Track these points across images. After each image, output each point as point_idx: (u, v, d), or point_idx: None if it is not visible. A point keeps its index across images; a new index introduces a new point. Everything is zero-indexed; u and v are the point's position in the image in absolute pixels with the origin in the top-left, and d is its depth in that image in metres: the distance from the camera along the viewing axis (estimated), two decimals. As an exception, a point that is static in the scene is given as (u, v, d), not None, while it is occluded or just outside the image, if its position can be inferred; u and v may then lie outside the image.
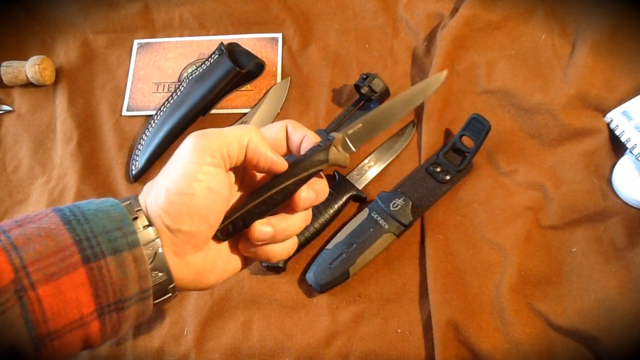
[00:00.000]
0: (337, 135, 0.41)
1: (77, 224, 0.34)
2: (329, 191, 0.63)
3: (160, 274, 0.36)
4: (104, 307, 0.34)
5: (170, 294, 0.37)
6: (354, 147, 0.42)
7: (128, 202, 0.37)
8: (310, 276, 0.59)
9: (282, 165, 0.39)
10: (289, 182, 0.39)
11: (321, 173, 0.41)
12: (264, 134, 0.39)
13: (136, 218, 0.36)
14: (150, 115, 0.73)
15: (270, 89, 0.74)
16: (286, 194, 0.39)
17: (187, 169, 0.36)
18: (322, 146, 0.40)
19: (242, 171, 0.41)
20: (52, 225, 0.33)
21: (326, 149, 0.40)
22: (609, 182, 0.62)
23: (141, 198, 0.38)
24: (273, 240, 0.40)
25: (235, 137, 0.37)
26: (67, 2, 0.83)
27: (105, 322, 0.34)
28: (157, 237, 0.36)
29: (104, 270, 0.33)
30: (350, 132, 0.42)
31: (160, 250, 0.36)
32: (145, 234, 0.35)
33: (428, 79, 0.45)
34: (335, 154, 0.40)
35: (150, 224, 0.36)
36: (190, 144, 0.37)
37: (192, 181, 0.36)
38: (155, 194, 0.37)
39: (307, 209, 0.41)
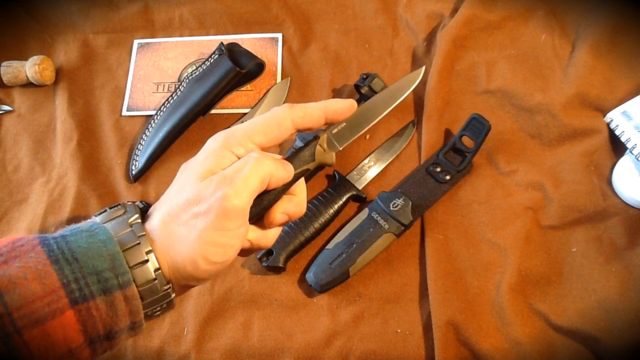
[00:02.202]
0: (322, 134, 0.41)
1: (65, 263, 0.32)
2: (329, 191, 0.64)
3: (164, 305, 0.36)
4: (93, 338, 0.33)
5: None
6: (340, 145, 0.42)
7: (134, 242, 0.34)
8: (310, 276, 0.59)
9: (290, 178, 0.39)
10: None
11: (303, 179, 0.41)
12: (270, 125, 0.38)
13: (138, 244, 0.34)
14: (150, 115, 0.73)
15: (270, 89, 0.74)
16: (276, 196, 0.39)
17: (224, 237, 0.35)
18: (308, 145, 0.40)
19: None
20: (39, 264, 0.31)
21: (312, 148, 0.40)
22: (609, 182, 0.62)
23: (156, 236, 0.36)
24: (250, 250, 0.41)
25: (260, 182, 0.36)
26: (67, 2, 0.83)
27: (96, 348, 0.34)
28: (173, 293, 0.36)
29: (93, 310, 0.32)
30: (334, 131, 0.43)
31: (173, 296, 0.36)
32: (147, 273, 0.34)
33: (406, 76, 0.46)
34: (322, 153, 0.41)
35: (168, 282, 0.36)
36: (226, 206, 0.34)
37: (228, 248, 0.35)
38: (183, 258, 0.35)
39: (280, 225, 0.41)
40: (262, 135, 0.37)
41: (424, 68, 0.48)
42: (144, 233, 0.35)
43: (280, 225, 0.41)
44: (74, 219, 0.67)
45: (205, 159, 0.37)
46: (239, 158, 0.37)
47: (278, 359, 0.57)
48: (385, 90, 0.45)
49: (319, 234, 0.63)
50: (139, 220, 0.36)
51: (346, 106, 0.40)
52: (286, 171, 0.38)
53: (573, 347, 0.54)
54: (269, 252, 0.60)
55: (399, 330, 0.58)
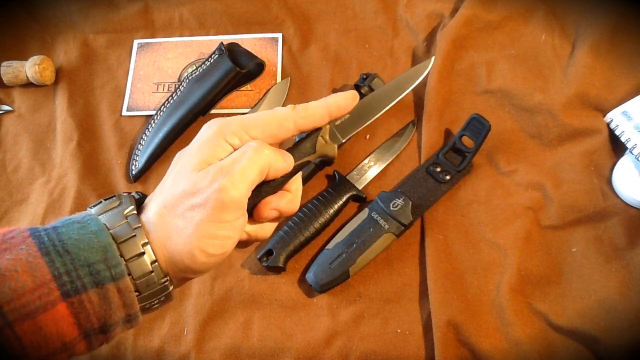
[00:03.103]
0: (324, 126, 0.40)
1: (56, 255, 0.31)
2: (329, 190, 0.64)
3: (162, 298, 0.36)
4: (88, 331, 0.32)
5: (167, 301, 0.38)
6: (342, 137, 0.41)
7: (130, 235, 0.34)
8: (310, 276, 0.59)
9: (289, 169, 0.38)
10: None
11: (300, 177, 0.41)
12: (272, 122, 0.38)
13: (134, 236, 0.34)
14: (150, 115, 0.73)
15: (270, 89, 0.74)
16: (275, 187, 0.39)
17: (221, 229, 0.34)
18: (309, 137, 0.40)
19: None
20: (30, 257, 0.31)
21: (313, 139, 0.40)
22: (609, 182, 0.62)
23: (152, 228, 0.35)
24: (248, 242, 0.41)
25: (258, 172, 0.35)
26: (67, 2, 0.83)
27: (92, 341, 0.33)
28: (171, 286, 0.36)
29: (86, 303, 0.32)
30: (337, 122, 0.41)
31: (171, 289, 0.36)
32: (143, 265, 0.34)
33: (414, 67, 0.44)
34: (323, 144, 0.40)
35: (165, 274, 0.35)
36: (223, 198, 0.34)
37: (226, 240, 0.35)
38: (180, 250, 0.34)
39: (271, 221, 0.40)
40: (259, 130, 0.37)
41: (433, 59, 0.46)
42: (140, 225, 0.35)
43: (271, 221, 0.40)
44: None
45: (200, 148, 0.36)
46: (234, 148, 0.36)
47: (278, 359, 0.57)
48: (391, 81, 0.43)
49: (319, 234, 0.63)
50: (135, 212, 0.35)
51: (348, 99, 0.39)
52: (286, 162, 0.37)
53: (573, 347, 0.54)
54: (269, 252, 0.60)
55: (399, 330, 0.58)
